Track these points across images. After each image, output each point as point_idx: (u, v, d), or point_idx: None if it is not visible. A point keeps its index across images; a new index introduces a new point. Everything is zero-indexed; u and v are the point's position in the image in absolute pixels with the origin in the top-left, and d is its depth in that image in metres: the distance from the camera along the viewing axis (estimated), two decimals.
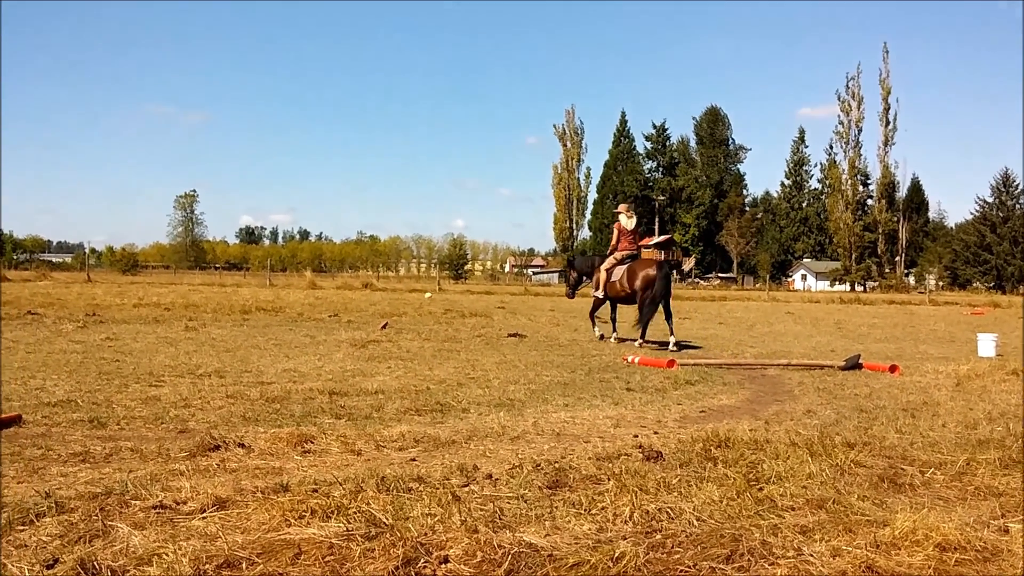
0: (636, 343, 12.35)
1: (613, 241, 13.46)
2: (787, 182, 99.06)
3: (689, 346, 12.91)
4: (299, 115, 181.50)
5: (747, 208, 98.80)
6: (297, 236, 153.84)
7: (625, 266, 12.91)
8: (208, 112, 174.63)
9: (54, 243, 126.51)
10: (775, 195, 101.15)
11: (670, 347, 11.88)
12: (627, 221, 13.29)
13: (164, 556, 2.76)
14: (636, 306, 12.62)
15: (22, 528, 3.15)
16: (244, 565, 2.76)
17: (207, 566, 2.72)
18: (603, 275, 13.18)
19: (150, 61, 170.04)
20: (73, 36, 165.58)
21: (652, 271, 12.41)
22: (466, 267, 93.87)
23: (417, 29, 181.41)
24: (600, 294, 13.28)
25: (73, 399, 6.24)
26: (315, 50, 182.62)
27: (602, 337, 13.42)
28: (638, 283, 12.45)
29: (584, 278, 14.47)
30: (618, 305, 13.54)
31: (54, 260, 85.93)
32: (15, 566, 2.69)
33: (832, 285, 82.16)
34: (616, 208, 13.59)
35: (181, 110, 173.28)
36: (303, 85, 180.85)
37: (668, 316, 12.49)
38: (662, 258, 14.02)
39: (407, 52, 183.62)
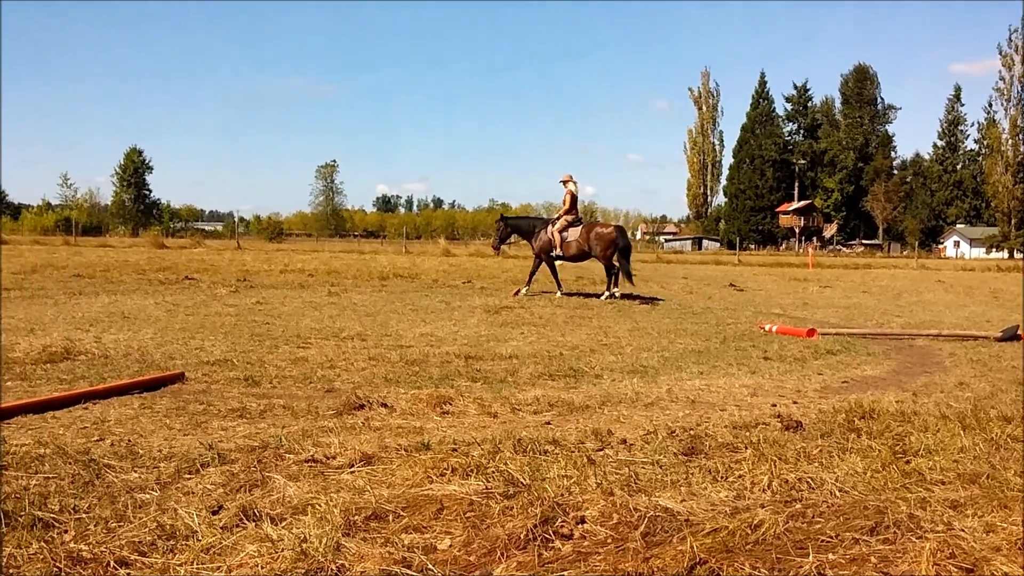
0: (614, 295, 14.07)
1: (567, 206, 14.65)
2: (940, 143, 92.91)
3: (637, 296, 14.48)
4: (429, 85, 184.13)
5: (895, 171, 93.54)
6: (431, 204, 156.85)
7: (580, 228, 14.41)
8: (339, 84, 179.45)
9: (207, 212, 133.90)
10: (926, 157, 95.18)
11: (608, 296, 13.99)
12: (576, 190, 14.76)
13: (317, 506, 2.93)
14: (571, 263, 15.26)
15: (189, 477, 3.41)
16: (391, 518, 2.90)
17: (356, 517, 2.87)
18: (557, 237, 14.44)
19: (279, 34, 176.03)
20: (205, 14, 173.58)
21: (612, 232, 14.20)
22: None
23: None
24: (558, 253, 14.52)
25: (229, 358, 6.65)
26: (443, 18, 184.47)
27: (561, 293, 14.52)
28: (599, 243, 14.06)
29: (514, 235, 16.12)
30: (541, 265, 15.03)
31: (207, 228, 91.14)
32: (184, 511, 2.91)
33: (988, 252, 76.95)
34: (563, 179, 14.79)
35: (312, 83, 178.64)
36: (432, 53, 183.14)
37: (618, 272, 14.23)
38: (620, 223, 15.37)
39: (534, 18, 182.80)
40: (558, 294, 14.38)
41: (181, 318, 9.49)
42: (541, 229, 14.86)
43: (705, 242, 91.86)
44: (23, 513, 2.83)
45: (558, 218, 14.75)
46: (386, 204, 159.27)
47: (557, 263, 14.95)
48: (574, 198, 14.73)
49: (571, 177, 14.73)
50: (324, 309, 11.07)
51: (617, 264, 14.14)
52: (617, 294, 14.09)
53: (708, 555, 2.55)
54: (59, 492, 3.11)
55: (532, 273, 15.05)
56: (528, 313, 11.10)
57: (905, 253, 69.27)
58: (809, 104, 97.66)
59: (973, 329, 10.20)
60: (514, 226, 15.69)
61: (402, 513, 2.94)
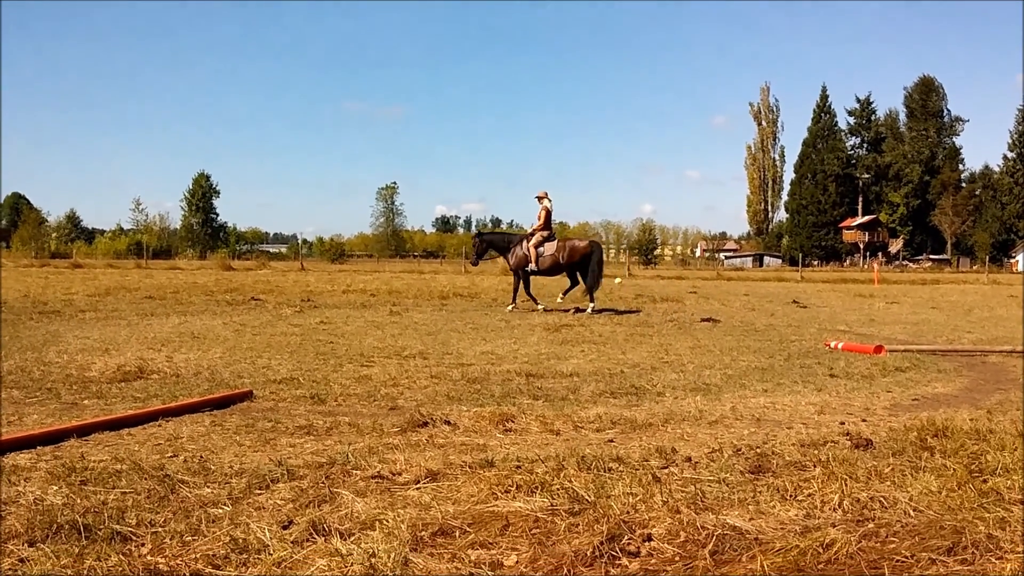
0: (588, 311, 14.32)
1: (542, 222, 15.13)
2: (1010, 155, 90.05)
3: (610, 310, 14.96)
4: (485, 105, 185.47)
5: (963, 184, 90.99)
6: (489, 224, 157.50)
7: (556, 242, 15.00)
8: (398, 107, 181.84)
9: (271, 234, 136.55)
10: (996, 169, 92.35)
11: (589, 311, 14.32)
12: (551, 206, 15.28)
13: (385, 522, 2.96)
14: (549, 276, 15.90)
15: (260, 492, 3.47)
16: (457, 534, 2.92)
17: (423, 533, 2.89)
18: (533, 252, 14.94)
19: (345, 60, 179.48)
20: (277, 44, 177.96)
21: (588, 247, 14.92)
22: (656, 252, 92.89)
23: (598, 11, 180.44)
24: (533, 267, 15.02)
25: (295, 377, 6.77)
26: (496, 37, 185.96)
27: (545, 309, 14.93)
28: (577, 257, 14.73)
29: (490, 251, 16.66)
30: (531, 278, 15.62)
31: (271, 250, 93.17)
32: (256, 525, 2.97)
33: None
34: (538, 195, 15.34)
35: (372, 106, 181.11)
36: (487, 73, 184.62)
37: (590, 285, 14.81)
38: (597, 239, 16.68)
39: (589, 36, 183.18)
40: (539, 306, 14.99)
41: (248, 338, 9.70)
42: (516, 245, 15.40)
43: (766, 259, 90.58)
44: (102, 527, 2.92)
45: (532, 233, 15.25)
46: (445, 224, 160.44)
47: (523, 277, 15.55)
48: (548, 214, 15.27)
49: (546, 194, 15.36)
50: (386, 328, 11.20)
51: (585, 277, 14.79)
52: (589, 309, 14.42)
53: (779, 574, 2.51)
54: (136, 506, 3.20)
55: (515, 289, 15.40)
56: (588, 331, 11.07)
57: (975, 268, 67.34)
58: (872, 117, 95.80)
59: None
60: (489, 242, 16.37)
61: (468, 529, 2.95)
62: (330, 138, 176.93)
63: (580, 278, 14.95)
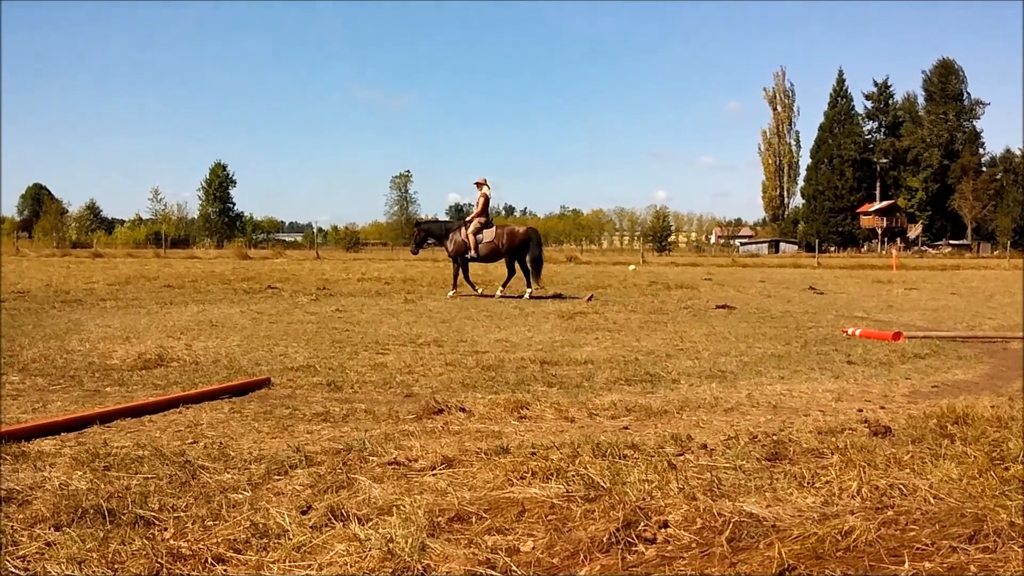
0: (527, 295, 14.77)
1: (480, 209, 15.41)
2: None
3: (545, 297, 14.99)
4: (497, 91, 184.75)
5: (984, 168, 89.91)
6: (502, 212, 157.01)
7: (494, 229, 15.26)
8: (411, 95, 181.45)
9: (287, 223, 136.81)
10: (1017, 153, 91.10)
11: (527, 295, 14.79)
12: (490, 193, 15.53)
13: (402, 507, 2.98)
14: (483, 263, 16.28)
15: (278, 478, 3.51)
16: (473, 520, 2.93)
17: (440, 518, 2.91)
18: (472, 239, 15.18)
19: (354, 48, 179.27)
20: (290, 34, 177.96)
21: (526, 234, 15.23)
22: (670, 239, 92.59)
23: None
24: (472, 254, 15.29)
25: (312, 364, 6.81)
26: (508, 22, 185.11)
27: (481, 293, 15.40)
28: (515, 243, 15.06)
29: (430, 239, 16.71)
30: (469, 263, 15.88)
31: (287, 239, 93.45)
32: (276, 511, 3.00)
33: None
34: (477, 181, 15.50)
35: (385, 94, 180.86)
36: (498, 59, 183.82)
37: (534, 271, 15.16)
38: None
39: (601, 19, 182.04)
40: (476, 289, 15.42)
41: (265, 326, 9.75)
42: (455, 232, 15.63)
43: (782, 245, 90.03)
44: (126, 511, 2.96)
45: (470, 220, 15.51)
46: (458, 212, 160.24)
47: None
48: (487, 200, 15.50)
49: (485, 181, 15.51)
50: (401, 316, 11.24)
51: (529, 265, 15.14)
52: (527, 295, 14.81)
53: (797, 561, 2.51)
54: (158, 491, 3.24)
55: (455, 275, 15.73)
56: (602, 318, 11.06)
57: (996, 253, 66.59)
58: (890, 101, 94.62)
59: None
60: (427, 230, 16.58)
61: (484, 515, 2.97)
62: (344, 127, 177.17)
63: (518, 266, 15.27)
